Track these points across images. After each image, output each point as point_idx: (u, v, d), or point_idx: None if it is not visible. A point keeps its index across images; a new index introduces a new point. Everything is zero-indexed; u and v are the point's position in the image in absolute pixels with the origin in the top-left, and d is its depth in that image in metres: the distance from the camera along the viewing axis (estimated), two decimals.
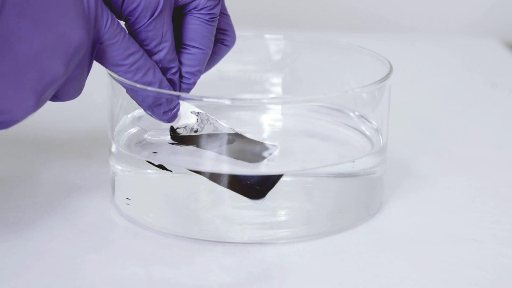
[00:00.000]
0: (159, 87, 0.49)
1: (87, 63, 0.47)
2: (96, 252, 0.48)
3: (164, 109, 0.50)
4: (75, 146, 0.63)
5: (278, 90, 0.65)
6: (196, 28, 0.51)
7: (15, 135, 0.64)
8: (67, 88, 0.47)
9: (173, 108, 0.50)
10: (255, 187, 0.48)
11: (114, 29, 0.47)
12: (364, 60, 0.57)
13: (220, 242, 0.49)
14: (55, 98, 0.48)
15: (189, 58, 0.51)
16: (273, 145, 0.54)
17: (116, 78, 0.49)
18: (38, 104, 0.45)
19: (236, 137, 0.52)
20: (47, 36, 0.44)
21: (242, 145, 0.53)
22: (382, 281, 0.46)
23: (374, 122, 0.55)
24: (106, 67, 0.49)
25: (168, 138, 0.53)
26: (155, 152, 0.53)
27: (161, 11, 0.48)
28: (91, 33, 0.46)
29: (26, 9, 0.43)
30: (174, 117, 0.51)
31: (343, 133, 0.58)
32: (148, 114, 0.51)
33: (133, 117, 0.55)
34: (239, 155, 0.51)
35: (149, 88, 0.49)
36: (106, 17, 0.47)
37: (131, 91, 0.50)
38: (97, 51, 0.48)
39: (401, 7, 1.10)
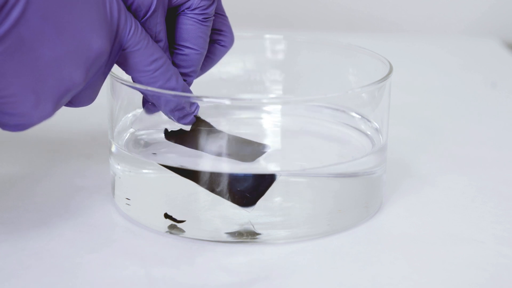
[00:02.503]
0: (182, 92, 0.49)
1: (105, 71, 0.47)
2: (96, 252, 0.48)
3: (184, 113, 0.50)
4: (75, 146, 0.63)
5: (278, 90, 0.65)
6: (190, 28, 0.51)
7: (15, 135, 0.64)
8: (82, 94, 0.47)
9: (193, 112, 0.51)
10: (246, 195, 0.48)
11: (137, 36, 0.47)
12: (364, 60, 0.57)
13: (220, 242, 0.49)
14: (69, 103, 0.48)
15: (183, 59, 0.51)
16: (265, 145, 0.54)
17: (121, 80, 0.49)
18: (54, 109, 0.45)
19: (228, 136, 0.52)
20: (69, 42, 0.44)
21: (234, 144, 0.53)
22: (382, 281, 0.46)
23: (374, 122, 0.55)
24: (128, 73, 0.49)
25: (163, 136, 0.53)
26: (154, 153, 0.53)
27: (154, 11, 0.48)
28: (112, 41, 0.46)
29: (50, 12, 0.43)
30: (193, 120, 0.51)
31: (343, 133, 0.58)
32: (168, 117, 0.51)
33: (133, 117, 0.55)
34: (231, 154, 0.51)
35: (150, 89, 0.48)
36: (130, 24, 0.47)
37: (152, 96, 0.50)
38: (120, 58, 0.48)
39: (401, 7, 1.10)
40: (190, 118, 0.51)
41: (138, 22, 0.48)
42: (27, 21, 0.42)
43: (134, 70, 0.48)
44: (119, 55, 0.47)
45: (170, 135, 0.52)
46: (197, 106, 0.51)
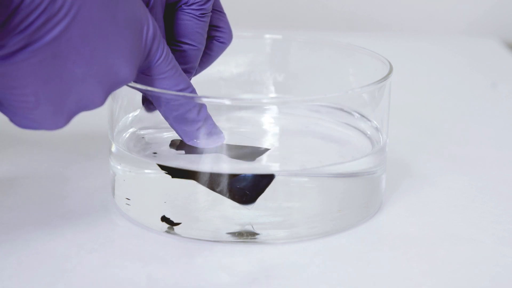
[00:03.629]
0: (202, 125, 0.49)
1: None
2: (96, 252, 0.48)
3: (212, 139, 0.50)
4: (75, 146, 0.63)
5: (278, 90, 0.65)
6: (187, 24, 0.50)
7: (15, 135, 0.64)
8: None
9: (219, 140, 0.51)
10: (245, 192, 0.48)
11: (165, 65, 0.47)
12: (364, 60, 0.57)
13: (220, 242, 0.49)
14: None
15: (181, 55, 0.51)
16: (265, 148, 0.54)
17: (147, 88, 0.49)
18: (66, 122, 0.45)
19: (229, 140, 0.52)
20: (99, 65, 0.44)
21: (235, 147, 0.53)
22: (382, 281, 0.46)
23: (374, 122, 0.55)
24: (148, 96, 0.49)
25: (166, 135, 0.53)
26: (155, 153, 0.53)
27: (152, 7, 0.48)
28: (138, 68, 0.46)
29: (90, 35, 0.42)
30: (221, 141, 0.51)
31: (343, 133, 0.58)
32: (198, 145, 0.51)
33: (133, 117, 0.55)
34: (234, 155, 0.51)
35: (150, 89, 0.48)
36: (161, 51, 0.46)
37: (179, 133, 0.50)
38: (143, 81, 0.48)
39: (401, 7, 1.10)
40: (219, 140, 0.51)
41: (169, 49, 0.47)
42: (67, 39, 0.42)
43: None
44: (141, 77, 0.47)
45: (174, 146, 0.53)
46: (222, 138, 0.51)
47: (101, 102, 0.45)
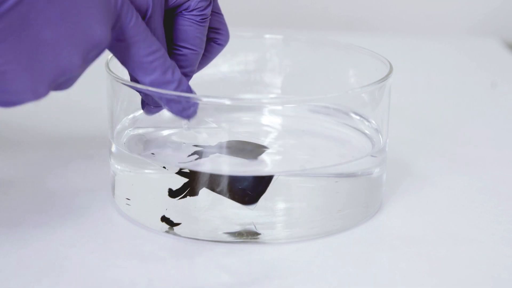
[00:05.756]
0: (178, 86, 0.49)
1: (96, 59, 0.47)
2: (96, 252, 0.48)
3: (183, 106, 0.50)
4: (75, 146, 0.63)
5: (278, 90, 0.65)
6: (187, 29, 0.50)
7: (16, 135, 0.64)
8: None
9: (191, 106, 0.50)
10: (247, 192, 0.48)
11: (137, 27, 0.47)
12: (364, 60, 0.57)
13: (220, 242, 0.49)
14: None
15: (181, 59, 0.51)
16: (265, 146, 0.54)
17: (120, 79, 0.49)
18: (46, 92, 0.44)
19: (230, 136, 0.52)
20: (71, 27, 0.44)
21: (235, 143, 0.53)
22: (382, 281, 0.46)
23: (374, 122, 0.55)
24: (124, 65, 0.48)
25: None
26: (152, 154, 0.53)
27: (150, 16, 0.48)
28: (111, 31, 0.46)
29: None
30: (193, 114, 0.50)
31: (343, 133, 0.58)
32: (168, 110, 0.50)
33: (134, 117, 0.55)
34: (234, 154, 0.51)
35: (151, 89, 0.48)
36: (131, 15, 0.46)
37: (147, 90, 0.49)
38: (117, 48, 0.47)
39: (402, 7, 1.10)
40: (190, 112, 0.50)
41: (138, 15, 0.47)
42: (32, 3, 0.42)
43: (131, 60, 0.48)
44: (111, 44, 0.47)
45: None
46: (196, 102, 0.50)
47: (78, 67, 0.45)
